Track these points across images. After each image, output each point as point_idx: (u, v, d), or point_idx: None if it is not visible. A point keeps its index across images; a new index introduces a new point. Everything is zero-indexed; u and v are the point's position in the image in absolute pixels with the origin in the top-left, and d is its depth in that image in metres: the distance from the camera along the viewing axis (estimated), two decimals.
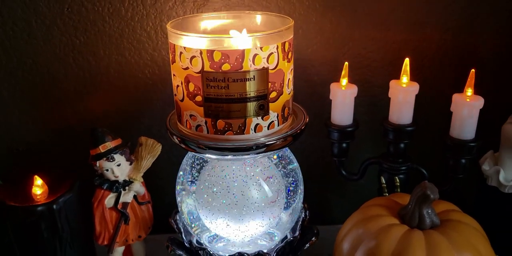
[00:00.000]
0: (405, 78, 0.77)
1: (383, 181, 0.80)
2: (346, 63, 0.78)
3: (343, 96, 0.78)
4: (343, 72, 0.78)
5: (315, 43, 0.84)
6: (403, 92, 0.76)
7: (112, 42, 0.81)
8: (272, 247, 0.74)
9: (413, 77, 0.78)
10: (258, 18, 0.70)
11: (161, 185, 0.86)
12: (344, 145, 0.81)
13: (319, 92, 0.86)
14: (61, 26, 0.80)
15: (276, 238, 0.76)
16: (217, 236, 0.77)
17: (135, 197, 0.77)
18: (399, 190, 0.79)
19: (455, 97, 0.74)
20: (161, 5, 0.79)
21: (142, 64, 0.83)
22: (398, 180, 0.79)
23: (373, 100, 0.88)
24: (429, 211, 0.64)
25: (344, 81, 0.79)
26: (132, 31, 0.81)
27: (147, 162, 0.77)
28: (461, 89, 0.74)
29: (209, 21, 0.70)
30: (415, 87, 0.76)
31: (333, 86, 0.79)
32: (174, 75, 0.65)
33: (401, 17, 0.82)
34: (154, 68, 0.83)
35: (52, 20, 0.79)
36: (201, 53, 0.59)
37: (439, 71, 0.86)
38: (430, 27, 0.83)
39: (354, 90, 0.78)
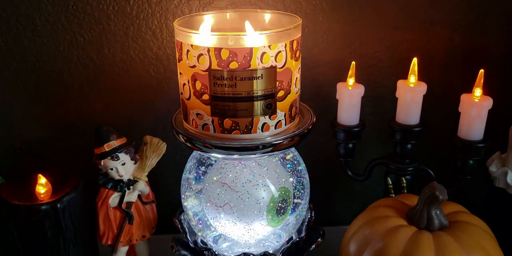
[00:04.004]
0: (412, 78, 0.77)
1: (390, 181, 0.80)
2: (353, 62, 0.78)
3: (349, 96, 0.78)
4: (350, 72, 0.78)
5: (321, 42, 0.83)
6: (411, 92, 0.76)
7: (117, 40, 0.81)
8: (278, 248, 0.74)
9: (421, 77, 0.77)
10: (265, 16, 0.70)
11: (166, 184, 0.86)
12: (350, 145, 0.81)
13: (325, 92, 0.86)
14: (66, 24, 0.79)
15: (282, 239, 0.75)
16: (222, 236, 0.76)
17: (139, 196, 0.77)
18: (406, 191, 0.79)
19: (464, 97, 0.74)
20: (167, 3, 0.79)
21: (147, 62, 0.83)
22: (405, 181, 0.79)
23: (380, 100, 0.87)
24: (438, 212, 0.63)
25: (351, 80, 0.78)
26: (137, 29, 0.80)
27: (151, 161, 0.76)
28: (469, 89, 0.74)
29: (215, 20, 0.70)
30: (423, 87, 0.76)
31: (339, 85, 0.79)
32: (180, 73, 0.64)
33: (409, 16, 0.82)
34: (159, 66, 0.83)
35: (56, 17, 0.79)
36: (208, 51, 0.59)
37: (447, 71, 0.86)
38: (438, 26, 0.83)
39: (361, 90, 0.78)
